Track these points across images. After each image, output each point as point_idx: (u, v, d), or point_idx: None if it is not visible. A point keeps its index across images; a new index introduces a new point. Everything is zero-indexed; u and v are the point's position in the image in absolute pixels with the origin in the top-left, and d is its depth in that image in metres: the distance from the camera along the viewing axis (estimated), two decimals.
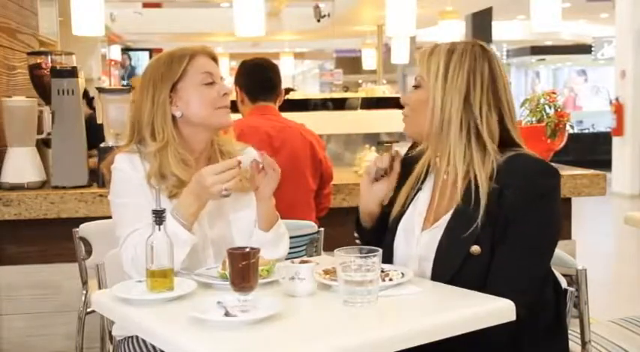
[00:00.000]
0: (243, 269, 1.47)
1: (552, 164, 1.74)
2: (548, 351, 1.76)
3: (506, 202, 1.66)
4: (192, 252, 1.88)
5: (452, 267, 1.69)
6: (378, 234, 1.92)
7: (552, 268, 1.80)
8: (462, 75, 1.74)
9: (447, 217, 1.75)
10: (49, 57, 3.28)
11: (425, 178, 1.88)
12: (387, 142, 3.73)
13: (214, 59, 2.05)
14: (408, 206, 1.88)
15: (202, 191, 1.83)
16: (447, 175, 1.78)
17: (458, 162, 1.73)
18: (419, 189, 1.88)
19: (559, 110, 3.25)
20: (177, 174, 1.92)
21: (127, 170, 1.94)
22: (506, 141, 1.77)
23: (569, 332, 1.88)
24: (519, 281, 1.65)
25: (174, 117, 1.97)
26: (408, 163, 1.93)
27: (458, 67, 1.74)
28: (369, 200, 1.93)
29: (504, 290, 1.57)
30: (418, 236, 1.81)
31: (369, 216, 1.94)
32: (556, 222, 1.73)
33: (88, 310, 2.54)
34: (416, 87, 1.82)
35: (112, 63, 10.03)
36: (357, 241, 1.98)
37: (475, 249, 1.67)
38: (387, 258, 1.85)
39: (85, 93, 5.22)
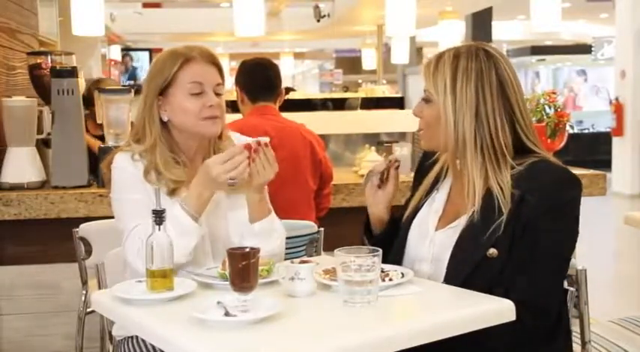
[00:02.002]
0: (243, 269, 1.47)
1: (575, 173, 1.71)
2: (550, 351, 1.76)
3: (528, 208, 1.65)
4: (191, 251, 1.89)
5: (467, 268, 1.68)
6: (390, 240, 1.91)
7: None
8: (470, 89, 1.71)
9: (464, 218, 1.73)
10: (49, 57, 3.28)
11: (444, 179, 1.88)
12: (387, 142, 3.73)
13: (214, 63, 2.00)
14: (423, 205, 1.88)
15: (209, 182, 1.83)
16: (467, 180, 1.77)
17: (476, 178, 1.71)
18: (435, 190, 1.88)
19: (559, 110, 3.25)
20: (166, 175, 1.92)
21: (127, 167, 1.95)
22: (523, 146, 1.75)
23: None
24: (527, 290, 1.63)
25: (163, 120, 1.98)
26: (425, 164, 1.95)
27: (465, 82, 1.72)
28: (375, 206, 1.93)
29: (510, 297, 1.56)
30: (432, 235, 1.81)
31: (378, 222, 1.95)
32: (573, 234, 1.71)
33: (88, 310, 2.54)
34: (426, 100, 1.79)
35: (112, 63, 10.03)
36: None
37: (492, 251, 1.66)
38: (399, 255, 1.86)
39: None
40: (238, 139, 2.08)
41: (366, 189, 1.95)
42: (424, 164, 1.97)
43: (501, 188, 1.68)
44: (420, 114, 1.81)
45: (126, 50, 12.11)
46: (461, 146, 1.73)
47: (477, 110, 1.71)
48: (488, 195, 1.69)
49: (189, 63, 1.96)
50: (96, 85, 3.71)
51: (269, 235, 1.96)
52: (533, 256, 1.65)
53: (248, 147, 1.84)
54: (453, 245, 1.73)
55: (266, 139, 1.89)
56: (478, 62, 1.73)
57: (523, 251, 1.65)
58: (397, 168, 1.92)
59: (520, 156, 1.73)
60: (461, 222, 1.74)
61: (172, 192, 1.93)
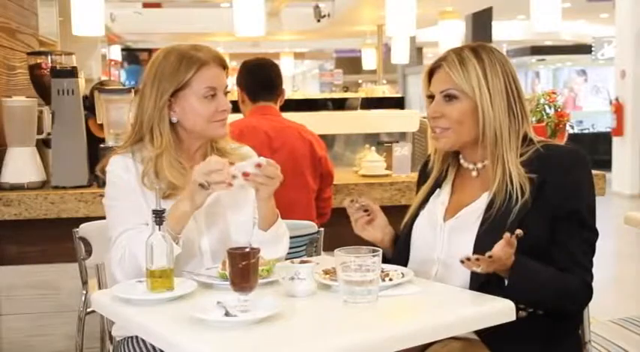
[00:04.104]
0: (243, 269, 1.48)
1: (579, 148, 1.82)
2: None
3: (551, 190, 1.71)
4: (190, 251, 1.88)
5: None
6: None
7: None
8: (500, 82, 1.78)
9: (474, 205, 1.78)
10: (49, 57, 3.28)
11: (444, 179, 1.92)
12: (387, 142, 3.72)
13: (223, 66, 2.00)
14: (426, 204, 1.91)
15: (187, 190, 1.80)
16: (476, 172, 1.84)
17: (512, 164, 1.75)
18: (438, 188, 1.92)
19: (559, 110, 3.25)
20: (170, 180, 1.91)
21: (119, 172, 1.94)
22: (526, 134, 1.82)
23: None
24: (585, 260, 1.72)
25: (171, 121, 1.96)
26: (423, 171, 2.00)
27: (494, 76, 1.78)
28: (377, 235, 1.93)
29: (576, 271, 1.68)
30: (442, 225, 1.84)
31: (389, 242, 1.95)
32: (595, 201, 1.81)
33: (88, 310, 2.54)
34: (449, 98, 1.80)
35: (112, 63, 10.03)
36: None
37: (519, 232, 1.64)
38: (404, 251, 1.89)
39: None
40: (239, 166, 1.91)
41: (363, 234, 1.92)
42: (429, 169, 1.98)
43: (518, 173, 1.74)
44: (441, 113, 1.81)
45: (126, 50, 12.12)
46: (498, 135, 1.77)
47: (508, 99, 1.78)
48: (504, 179, 1.75)
49: (205, 68, 1.94)
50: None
51: (279, 240, 1.97)
52: (579, 230, 1.72)
53: (246, 174, 1.79)
54: (464, 229, 1.76)
55: (262, 161, 1.81)
56: (496, 57, 1.80)
57: (569, 229, 1.71)
58: (360, 199, 1.91)
59: (524, 143, 1.80)
60: (468, 209, 1.78)
61: (167, 197, 1.89)
